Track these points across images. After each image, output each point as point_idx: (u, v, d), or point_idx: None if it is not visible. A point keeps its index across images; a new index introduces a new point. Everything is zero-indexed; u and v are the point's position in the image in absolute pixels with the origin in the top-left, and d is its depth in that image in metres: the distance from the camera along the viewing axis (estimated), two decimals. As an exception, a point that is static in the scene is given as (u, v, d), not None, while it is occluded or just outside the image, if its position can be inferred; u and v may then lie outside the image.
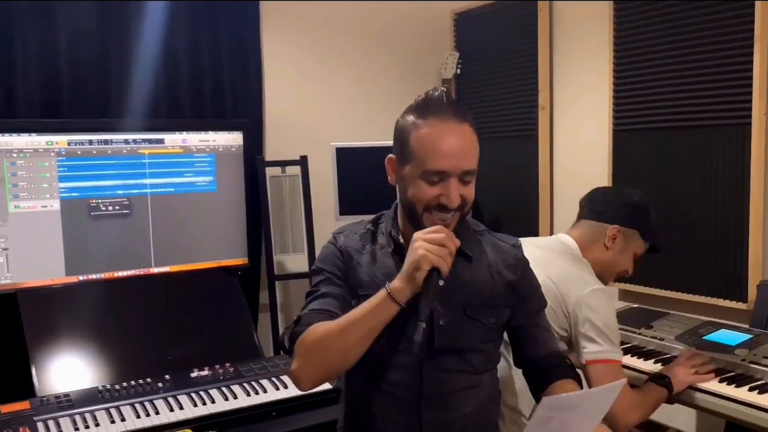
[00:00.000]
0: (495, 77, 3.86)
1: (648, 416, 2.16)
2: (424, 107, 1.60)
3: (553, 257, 2.21)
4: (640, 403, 2.11)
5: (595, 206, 2.32)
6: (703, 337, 2.42)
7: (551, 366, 1.73)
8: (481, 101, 3.93)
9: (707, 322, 2.58)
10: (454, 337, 1.65)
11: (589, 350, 2.07)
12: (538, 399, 1.74)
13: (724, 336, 2.41)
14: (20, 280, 2.70)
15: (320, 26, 3.79)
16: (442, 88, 1.66)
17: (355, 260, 1.72)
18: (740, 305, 2.80)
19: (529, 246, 2.00)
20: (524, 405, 2.15)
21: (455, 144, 1.56)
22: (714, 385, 2.15)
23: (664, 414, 2.61)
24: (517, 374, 1.95)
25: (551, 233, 3.63)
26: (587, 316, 2.08)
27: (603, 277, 2.26)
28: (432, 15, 4.14)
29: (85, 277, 2.81)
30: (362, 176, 3.26)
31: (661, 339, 2.48)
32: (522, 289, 1.75)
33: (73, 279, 2.79)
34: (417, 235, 1.53)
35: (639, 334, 2.57)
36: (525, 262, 1.79)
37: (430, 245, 1.48)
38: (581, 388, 1.76)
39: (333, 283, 1.70)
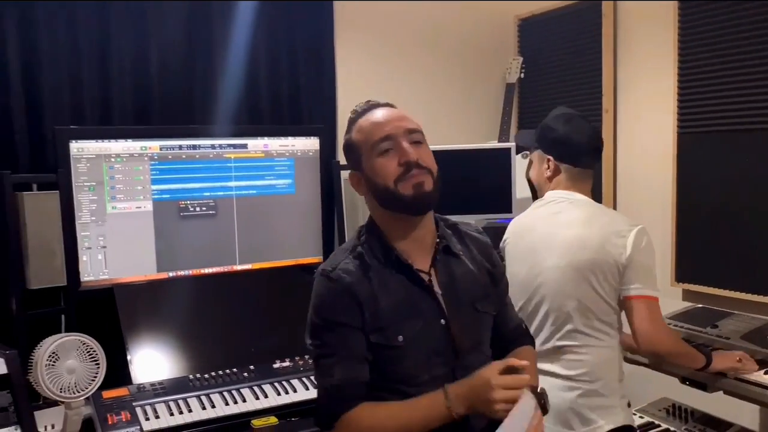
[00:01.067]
0: (558, 81, 3.97)
1: (673, 356, 2.29)
2: (353, 117, 1.80)
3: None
4: (669, 333, 2.27)
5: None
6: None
7: (516, 337, 1.91)
8: (545, 105, 4.03)
9: (774, 322, 2.66)
10: (473, 334, 1.76)
11: (631, 287, 2.21)
12: None
13: (788, 336, 2.49)
14: (116, 276, 2.91)
15: (389, 30, 3.94)
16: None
17: (366, 293, 1.67)
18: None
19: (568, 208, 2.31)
20: None
21: (386, 113, 1.74)
22: (760, 376, 2.28)
23: (729, 412, 2.68)
24: None
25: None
26: (634, 255, 2.21)
27: None
28: (496, 20, 4.27)
29: (174, 274, 3.01)
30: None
31: (727, 338, 2.57)
32: (496, 273, 1.87)
33: (163, 275, 2.99)
34: (497, 382, 1.54)
35: (704, 333, 2.66)
36: (491, 246, 1.91)
37: (507, 404, 1.51)
38: (534, 354, 1.92)
39: (351, 336, 1.66)
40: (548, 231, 2.34)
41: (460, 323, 1.72)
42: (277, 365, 2.78)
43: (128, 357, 2.70)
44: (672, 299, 3.37)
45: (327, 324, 1.67)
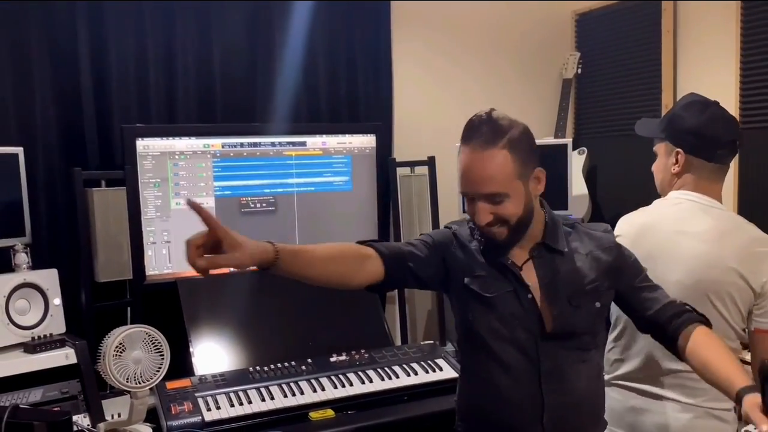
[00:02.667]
0: (616, 77, 3.93)
1: None
2: (464, 132, 1.75)
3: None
4: None
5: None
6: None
7: (673, 315, 1.79)
8: (602, 101, 4.01)
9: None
10: (565, 324, 1.79)
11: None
12: (676, 354, 1.80)
13: None
14: (180, 270, 3.00)
15: (444, 27, 3.95)
16: (484, 112, 1.75)
17: (467, 246, 1.86)
18: None
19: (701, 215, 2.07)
20: None
21: (473, 171, 1.71)
22: None
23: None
24: None
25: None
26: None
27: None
28: (554, 16, 4.24)
29: (235, 269, 3.08)
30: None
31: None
32: (619, 263, 1.87)
33: (225, 270, 3.06)
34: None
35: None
36: (618, 244, 1.91)
37: None
38: (710, 334, 1.75)
39: (427, 248, 1.85)
40: (672, 239, 2.09)
41: (552, 307, 1.79)
42: (333, 359, 2.83)
43: (191, 349, 2.79)
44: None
45: (425, 235, 1.90)
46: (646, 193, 3.69)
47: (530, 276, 1.81)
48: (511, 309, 1.79)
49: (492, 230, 1.74)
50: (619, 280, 1.87)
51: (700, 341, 1.73)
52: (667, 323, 1.80)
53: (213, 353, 2.82)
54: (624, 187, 3.82)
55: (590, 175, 3.93)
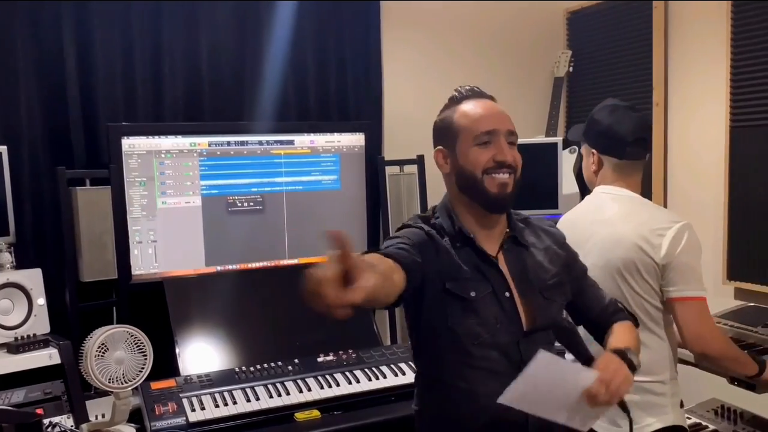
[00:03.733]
0: (608, 75, 3.91)
1: (723, 359, 2.20)
2: (458, 97, 1.83)
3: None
4: (718, 336, 2.19)
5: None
6: (819, 338, 2.44)
7: (612, 312, 1.91)
8: (594, 99, 3.95)
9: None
10: (545, 318, 1.77)
11: (675, 288, 2.14)
12: (600, 342, 1.89)
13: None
14: (166, 270, 2.98)
15: (435, 26, 3.92)
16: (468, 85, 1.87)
17: (443, 246, 1.74)
18: None
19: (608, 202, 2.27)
20: None
21: (495, 109, 1.79)
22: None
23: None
24: None
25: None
26: (675, 255, 2.13)
27: None
28: (545, 14, 4.21)
29: (222, 268, 3.07)
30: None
31: (778, 338, 2.51)
32: (571, 260, 1.91)
33: (211, 269, 3.05)
34: None
35: (756, 332, 2.59)
36: (564, 236, 1.94)
37: None
38: (632, 328, 1.89)
39: (410, 253, 1.65)
40: (589, 228, 2.28)
41: (528, 302, 1.77)
42: (320, 359, 2.82)
43: (177, 349, 2.77)
44: (724, 298, 3.30)
45: (397, 237, 1.72)
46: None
47: (505, 271, 1.78)
48: (493, 310, 1.74)
49: (506, 179, 1.73)
50: (571, 276, 1.90)
51: (614, 328, 1.87)
52: (605, 322, 1.90)
53: (199, 353, 2.80)
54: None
55: (581, 174, 3.90)
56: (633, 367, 1.67)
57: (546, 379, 1.57)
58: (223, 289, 3.00)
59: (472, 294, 1.72)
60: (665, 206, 3.63)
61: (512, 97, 4.12)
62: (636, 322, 1.95)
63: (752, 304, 3.01)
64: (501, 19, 4.11)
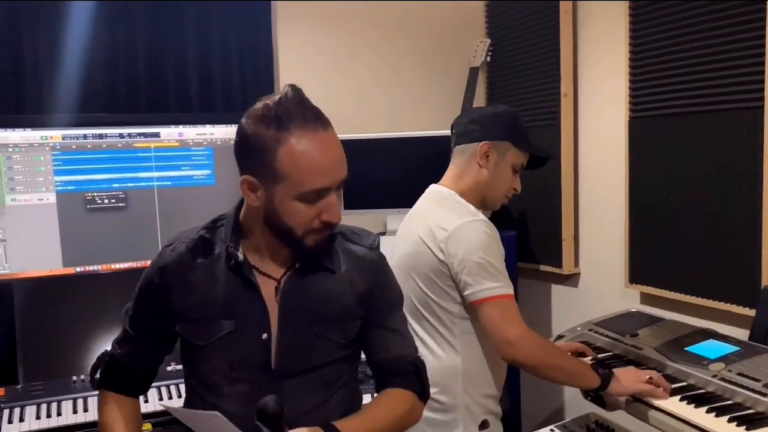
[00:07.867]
0: (522, 66, 3.69)
1: (542, 368, 1.99)
2: (284, 115, 1.40)
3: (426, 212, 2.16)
4: (532, 340, 1.95)
5: (460, 130, 2.19)
6: (685, 348, 2.22)
7: (395, 372, 1.62)
8: (510, 90, 3.76)
9: (699, 331, 2.36)
10: (302, 357, 1.53)
11: (471, 291, 1.96)
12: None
13: (708, 347, 2.21)
14: (18, 271, 2.79)
15: (342, 10, 3.70)
16: (291, 87, 1.45)
17: (183, 279, 1.53)
18: (752, 312, 2.54)
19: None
20: None
21: (334, 154, 1.43)
22: (671, 402, 1.95)
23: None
24: None
25: (576, 224, 3.46)
26: (461, 255, 1.97)
27: (489, 199, 2.18)
28: (464, 2, 3.99)
29: (82, 269, 2.89)
30: (367, 169, 3.17)
31: (641, 348, 2.29)
32: (375, 292, 1.62)
33: (70, 270, 2.87)
34: None
35: (622, 341, 2.39)
36: (380, 264, 1.65)
37: None
38: (422, 401, 1.63)
39: (142, 320, 1.61)
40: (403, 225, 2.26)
41: (289, 341, 1.52)
42: (171, 368, 2.63)
43: (18, 356, 2.61)
44: (629, 302, 3.09)
45: (134, 296, 1.65)
46: (548, 181, 3.47)
47: (270, 300, 1.53)
48: (230, 358, 1.52)
49: (327, 233, 1.51)
50: (371, 308, 1.62)
51: (381, 395, 1.62)
52: (387, 377, 1.63)
53: (42, 361, 2.65)
54: (525, 177, 3.59)
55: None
56: None
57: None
58: (81, 291, 2.84)
59: (203, 340, 1.52)
60: (575, 199, 3.43)
61: (427, 87, 3.92)
62: (425, 394, 1.64)
63: (635, 309, 2.81)
64: (418, 7, 3.89)
